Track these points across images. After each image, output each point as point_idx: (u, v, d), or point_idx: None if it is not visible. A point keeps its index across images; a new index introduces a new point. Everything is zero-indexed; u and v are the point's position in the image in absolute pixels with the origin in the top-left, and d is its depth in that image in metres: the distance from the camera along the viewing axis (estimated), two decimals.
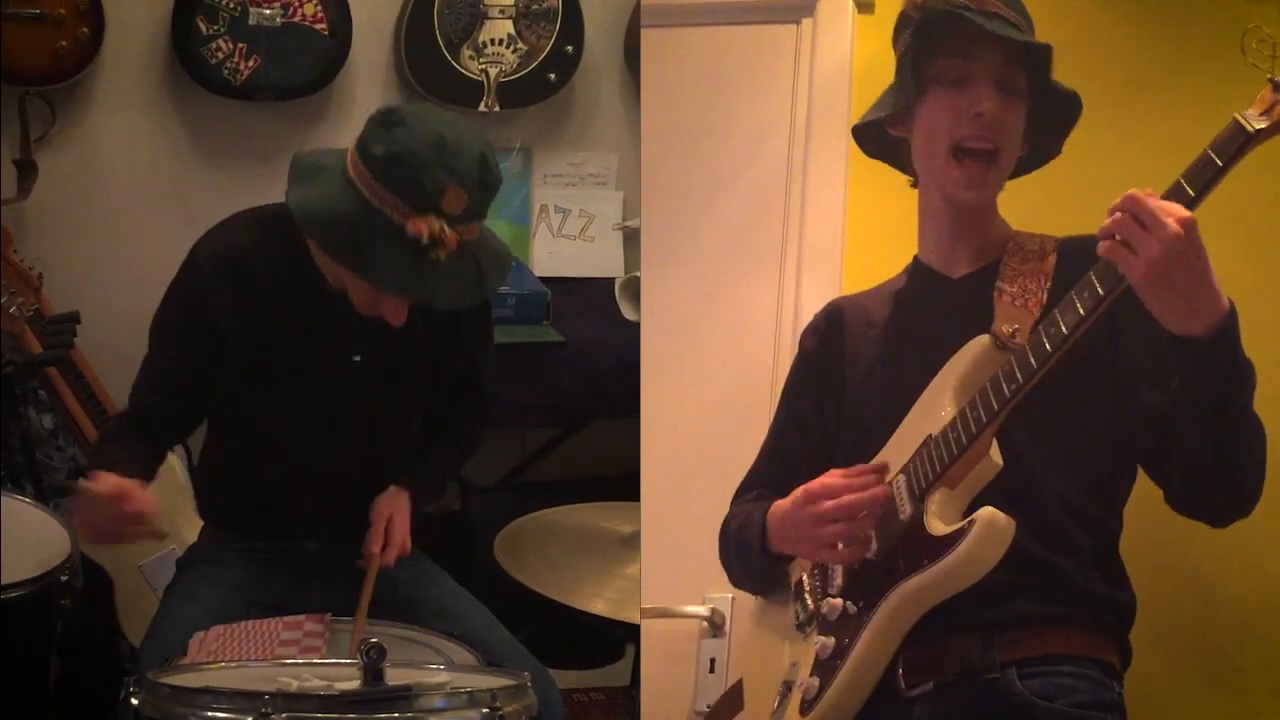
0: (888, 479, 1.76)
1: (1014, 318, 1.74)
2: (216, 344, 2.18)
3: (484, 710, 1.40)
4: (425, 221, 1.92)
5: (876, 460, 1.80)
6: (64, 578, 2.24)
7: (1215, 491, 1.66)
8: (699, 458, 2.35)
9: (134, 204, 3.31)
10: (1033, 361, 1.61)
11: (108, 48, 3.15)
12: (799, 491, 1.79)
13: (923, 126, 1.84)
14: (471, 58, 3.29)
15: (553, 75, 3.34)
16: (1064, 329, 1.58)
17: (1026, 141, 1.87)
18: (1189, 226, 1.45)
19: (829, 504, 1.73)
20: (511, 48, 3.30)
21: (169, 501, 3.11)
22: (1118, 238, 1.48)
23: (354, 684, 1.45)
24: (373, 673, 1.42)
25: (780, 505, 1.84)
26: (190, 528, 3.09)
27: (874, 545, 1.73)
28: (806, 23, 2.54)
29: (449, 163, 1.93)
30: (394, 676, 1.46)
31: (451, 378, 2.34)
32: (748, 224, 2.48)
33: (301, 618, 2.11)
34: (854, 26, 2.49)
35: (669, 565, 2.24)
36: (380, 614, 2.15)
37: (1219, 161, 1.48)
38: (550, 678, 2.10)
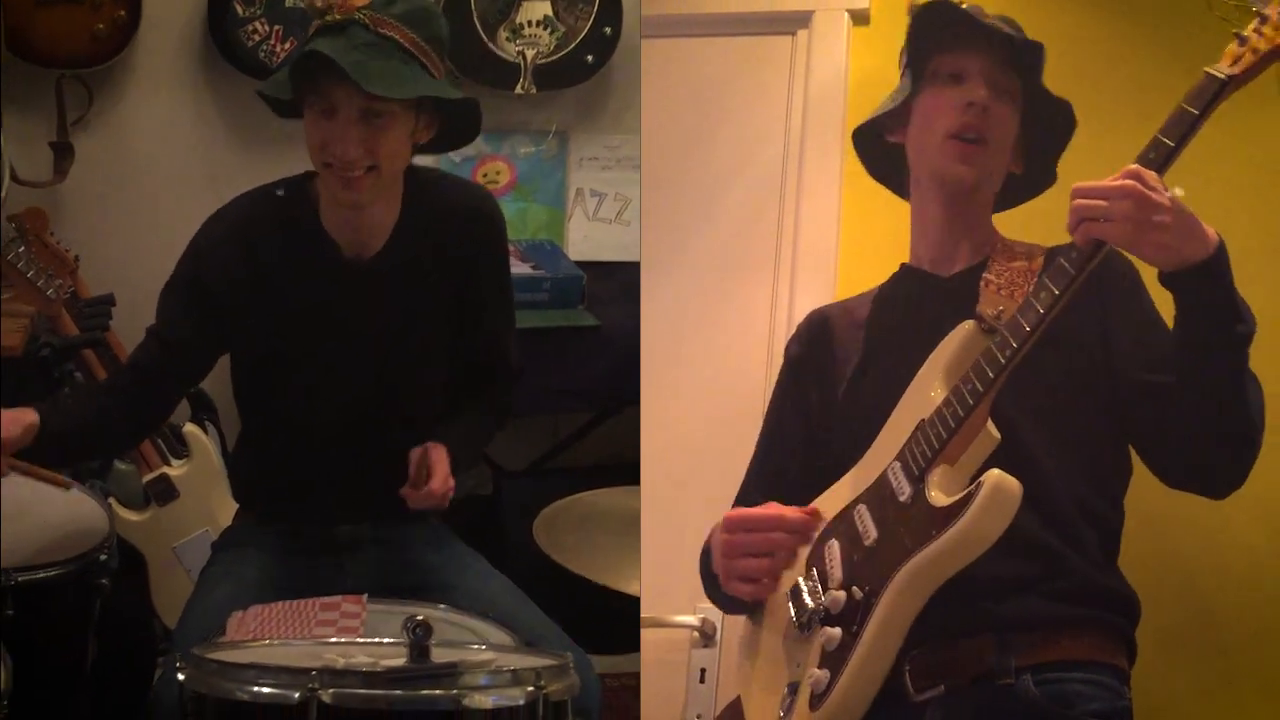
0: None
1: (998, 302, 1.76)
2: (215, 315, 2.18)
3: (528, 689, 1.39)
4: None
5: (869, 453, 1.79)
6: (102, 557, 2.25)
7: (1216, 450, 1.65)
8: (693, 466, 2.35)
9: (169, 186, 3.31)
10: (1025, 325, 1.63)
11: (144, 30, 3.15)
12: (722, 519, 1.80)
13: (918, 120, 1.88)
14: (508, 39, 3.27)
15: (590, 57, 3.31)
16: (1054, 290, 1.62)
17: (1022, 157, 1.89)
18: (1136, 174, 1.53)
19: (744, 537, 1.76)
20: (549, 29, 3.28)
21: (204, 485, 3.13)
22: (1085, 219, 1.55)
23: (399, 661, 1.44)
24: (419, 649, 1.42)
25: (715, 528, 1.84)
26: (224, 511, 3.10)
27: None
28: (802, 34, 2.59)
29: None
30: (438, 655, 1.46)
31: (473, 348, 2.32)
32: (743, 231, 2.51)
33: (338, 598, 2.10)
34: (849, 39, 2.54)
35: (662, 575, 2.23)
36: (415, 596, 2.15)
37: (1194, 111, 1.55)
38: (587, 660, 2.09)
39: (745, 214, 2.52)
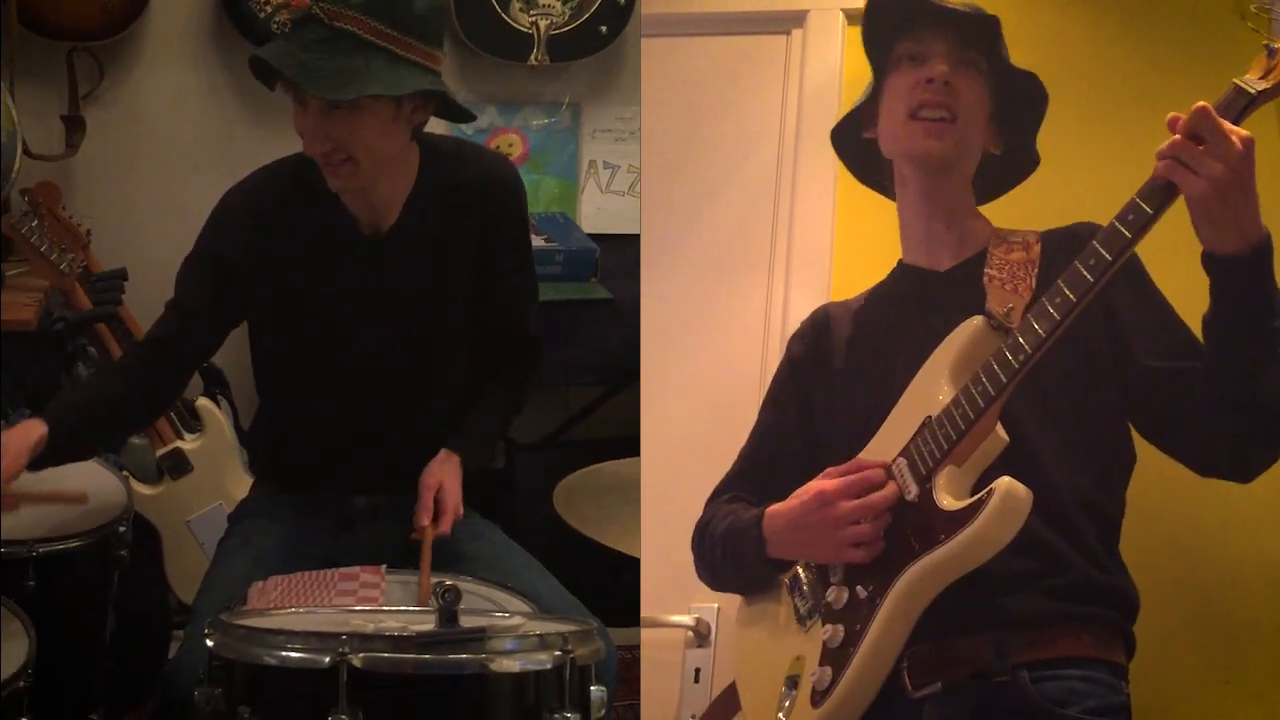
0: (890, 466, 1.76)
1: (1006, 299, 1.74)
2: (234, 289, 2.19)
3: (555, 653, 1.39)
4: None
5: (872, 445, 1.79)
6: (121, 529, 2.26)
7: (1245, 434, 1.64)
8: (689, 464, 2.34)
9: (181, 159, 3.31)
10: (1039, 330, 1.62)
11: (155, 2, 3.15)
12: (809, 496, 1.77)
13: (885, 108, 1.87)
14: (522, 10, 3.26)
15: (604, 28, 3.30)
16: (1072, 297, 1.60)
17: (999, 136, 1.87)
18: (1250, 145, 1.50)
19: (850, 505, 1.73)
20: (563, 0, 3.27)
21: (217, 459, 3.13)
22: (1178, 158, 1.51)
23: (428, 627, 1.45)
24: (448, 614, 1.42)
25: (780, 511, 1.82)
26: (237, 484, 3.11)
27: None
28: (797, 34, 2.58)
29: None
30: (466, 622, 1.46)
31: (493, 320, 2.32)
32: (738, 230, 2.51)
33: (356, 569, 2.11)
34: (844, 38, 2.52)
35: (657, 575, 2.23)
36: (433, 566, 2.15)
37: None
38: (605, 630, 2.09)
39: (741, 211, 2.52)
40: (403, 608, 1.66)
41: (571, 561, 2.28)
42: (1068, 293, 1.59)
